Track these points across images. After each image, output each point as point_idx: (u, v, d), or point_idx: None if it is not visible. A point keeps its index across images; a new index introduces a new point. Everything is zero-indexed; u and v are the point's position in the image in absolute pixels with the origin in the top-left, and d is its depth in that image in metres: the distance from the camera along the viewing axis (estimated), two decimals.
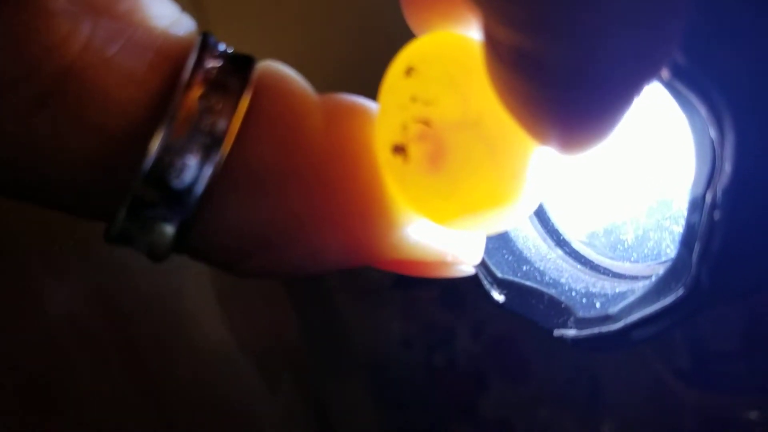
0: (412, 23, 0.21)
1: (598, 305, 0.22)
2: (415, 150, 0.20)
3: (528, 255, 0.25)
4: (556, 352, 0.57)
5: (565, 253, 0.25)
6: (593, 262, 0.25)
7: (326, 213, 0.20)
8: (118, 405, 0.41)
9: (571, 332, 0.22)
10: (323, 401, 0.56)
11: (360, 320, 0.57)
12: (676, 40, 0.15)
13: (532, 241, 0.25)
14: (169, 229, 0.19)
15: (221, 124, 0.19)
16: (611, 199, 0.25)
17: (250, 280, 0.49)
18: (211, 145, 0.19)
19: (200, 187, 0.19)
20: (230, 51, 0.21)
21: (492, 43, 0.16)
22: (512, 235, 0.25)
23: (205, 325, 0.46)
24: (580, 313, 0.22)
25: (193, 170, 0.18)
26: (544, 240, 0.26)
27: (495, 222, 0.20)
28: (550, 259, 0.25)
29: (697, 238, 0.18)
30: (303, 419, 0.53)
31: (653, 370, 0.53)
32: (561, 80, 0.15)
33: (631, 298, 0.21)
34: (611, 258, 0.24)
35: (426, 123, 0.20)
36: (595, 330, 0.21)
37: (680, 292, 0.19)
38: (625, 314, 0.21)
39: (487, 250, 0.24)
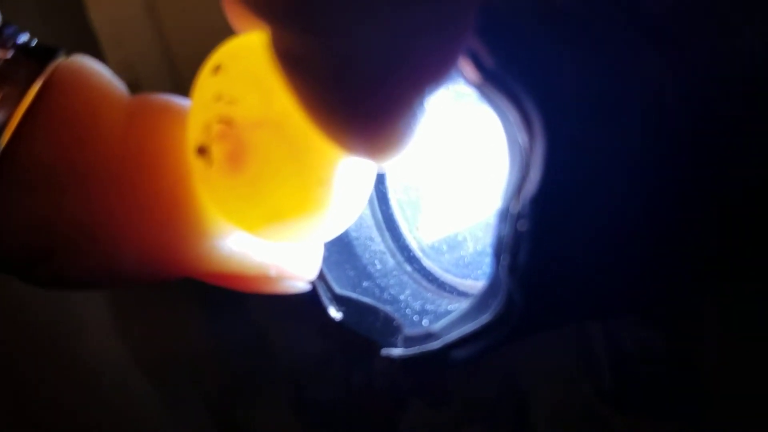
0: (232, 21, 0.20)
1: (425, 323, 0.21)
2: (216, 151, 0.18)
3: (371, 270, 0.24)
4: (479, 374, 0.56)
5: (414, 269, 0.24)
6: (439, 280, 0.23)
7: (120, 218, 0.18)
8: None
9: (397, 351, 0.21)
10: (237, 419, 0.54)
11: (279, 336, 0.55)
12: (456, 44, 0.14)
13: (379, 257, 0.24)
14: None
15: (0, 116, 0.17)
16: (452, 215, 0.23)
17: (152, 294, 0.47)
18: None
19: None
20: (31, 43, 0.19)
21: (270, 43, 0.15)
22: (358, 250, 0.24)
23: (95, 343, 0.44)
24: (408, 331, 0.21)
25: None
26: (393, 255, 0.24)
27: (306, 232, 0.19)
28: (394, 275, 0.24)
29: (503, 250, 0.17)
30: None
31: (580, 391, 0.52)
32: (328, 79, 0.14)
33: (453, 315, 0.19)
34: (455, 275, 0.23)
35: (228, 122, 0.18)
36: (417, 348, 0.20)
37: (496, 309, 0.18)
38: (446, 332, 0.19)
39: (329, 264, 0.23)
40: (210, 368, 0.49)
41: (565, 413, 0.52)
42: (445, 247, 0.24)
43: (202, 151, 0.19)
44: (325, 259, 0.23)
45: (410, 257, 0.24)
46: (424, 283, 0.24)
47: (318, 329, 0.52)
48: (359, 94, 0.14)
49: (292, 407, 0.54)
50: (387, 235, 0.25)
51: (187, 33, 0.53)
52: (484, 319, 0.18)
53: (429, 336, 0.20)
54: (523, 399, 0.55)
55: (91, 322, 0.43)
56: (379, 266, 0.24)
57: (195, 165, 0.19)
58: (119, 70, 0.55)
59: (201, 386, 0.48)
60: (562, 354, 0.52)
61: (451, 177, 0.23)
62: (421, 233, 0.24)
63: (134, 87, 0.57)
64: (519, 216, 0.17)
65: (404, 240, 0.25)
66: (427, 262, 0.24)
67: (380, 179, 0.25)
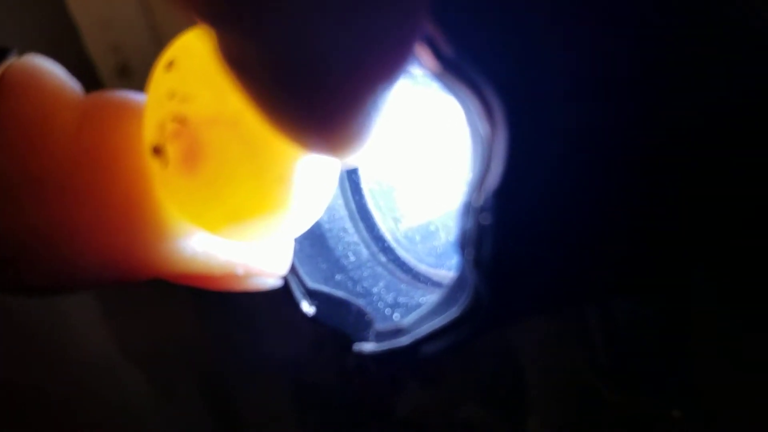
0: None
1: (396, 316, 0.20)
2: (171, 150, 0.18)
3: (345, 263, 0.23)
4: (473, 354, 0.56)
5: (389, 260, 0.24)
6: (414, 270, 0.23)
7: (77, 222, 0.18)
8: None
9: (368, 346, 0.20)
10: (234, 406, 0.54)
11: (272, 322, 0.55)
12: (408, 37, 0.14)
13: (353, 248, 0.24)
14: None
15: None
16: (424, 204, 0.23)
17: (140, 283, 0.47)
18: None
19: None
20: None
21: (215, 45, 0.14)
22: (331, 242, 0.24)
23: (83, 332, 0.44)
24: (379, 326, 0.20)
25: None
26: (368, 246, 0.24)
27: (267, 231, 0.19)
28: (368, 266, 0.23)
29: (468, 244, 0.17)
30: (205, 425, 0.51)
31: (576, 366, 0.52)
32: (274, 81, 0.14)
33: (423, 310, 0.19)
34: (429, 265, 0.23)
35: (181, 121, 0.18)
36: (388, 344, 0.20)
37: (463, 303, 0.18)
38: (416, 326, 0.19)
39: (301, 258, 0.23)
40: (203, 357, 0.49)
41: (562, 389, 0.52)
42: (418, 237, 0.23)
43: (157, 151, 0.18)
44: (297, 253, 0.23)
45: (385, 248, 0.24)
46: (399, 273, 0.23)
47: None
48: (308, 93, 0.14)
49: (287, 393, 0.54)
50: (361, 225, 0.24)
51: (177, 12, 0.51)
52: (452, 313, 0.18)
53: (399, 331, 0.20)
54: (520, 376, 0.55)
55: (79, 317, 0.43)
56: (352, 258, 0.23)
57: (151, 165, 0.18)
58: (108, 54, 0.54)
59: (195, 375, 0.48)
60: (557, 331, 0.52)
61: (422, 166, 0.23)
62: (394, 223, 0.24)
63: (124, 69, 0.56)
64: (482, 209, 0.16)
65: (378, 230, 0.24)
66: (401, 252, 0.24)
67: (353, 169, 0.24)
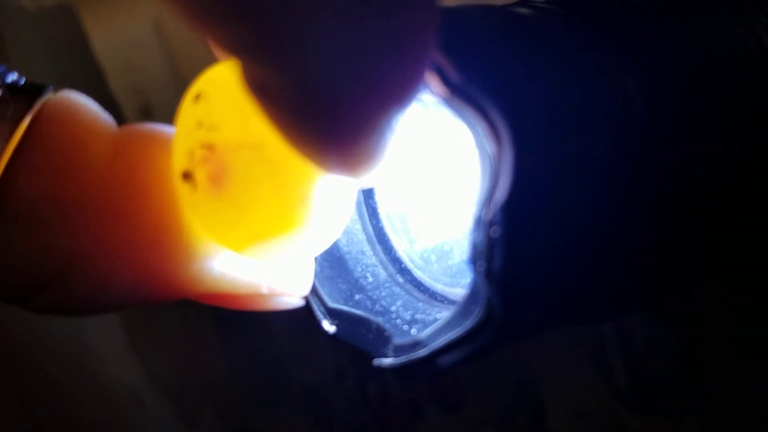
0: (215, 49, 0.21)
1: (414, 332, 0.21)
2: (200, 174, 0.19)
3: (364, 283, 0.24)
4: (493, 379, 0.56)
5: (406, 280, 0.25)
6: (430, 289, 0.24)
7: (112, 245, 0.19)
8: None
9: (388, 360, 0.21)
10: None
11: (294, 351, 0.56)
12: (418, 65, 0.15)
13: (371, 270, 0.25)
14: None
15: None
16: (438, 225, 0.24)
17: (166, 313, 0.48)
18: None
19: None
20: (20, 81, 0.20)
21: (241, 74, 0.16)
22: (350, 264, 0.25)
23: (110, 362, 0.45)
24: (397, 341, 0.21)
25: None
26: (385, 268, 0.25)
27: (290, 249, 0.20)
28: (386, 287, 0.24)
29: (479, 257, 0.18)
30: None
31: (596, 392, 0.52)
32: (296, 107, 0.15)
33: (439, 323, 0.20)
34: (444, 284, 0.24)
35: (209, 147, 0.19)
36: (406, 357, 0.20)
37: (478, 315, 0.19)
38: (432, 339, 0.20)
39: (321, 279, 0.24)
40: (226, 386, 0.50)
41: (581, 415, 0.52)
42: (433, 258, 0.24)
43: (186, 176, 0.19)
44: (318, 275, 0.24)
45: (402, 269, 0.25)
46: (416, 293, 0.24)
47: (331, 343, 0.53)
48: (327, 117, 0.15)
49: (310, 422, 0.54)
50: (378, 248, 0.25)
51: (197, 53, 0.53)
52: (467, 325, 0.19)
53: (417, 344, 0.20)
54: (539, 402, 0.55)
55: (107, 348, 0.44)
56: (371, 279, 0.24)
57: (181, 190, 0.20)
58: (129, 95, 0.56)
59: (218, 405, 0.49)
60: (576, 356, 0.52)
61: (435, 188, 0.24)
62: (410, 245, 0.25)
63: (146, 110, 0.58)
64: (491, 223, 0.17)
65: (395, 252, 0.25)
66: (417, 273, 0.25)
67: (370, 194, 0.26)
